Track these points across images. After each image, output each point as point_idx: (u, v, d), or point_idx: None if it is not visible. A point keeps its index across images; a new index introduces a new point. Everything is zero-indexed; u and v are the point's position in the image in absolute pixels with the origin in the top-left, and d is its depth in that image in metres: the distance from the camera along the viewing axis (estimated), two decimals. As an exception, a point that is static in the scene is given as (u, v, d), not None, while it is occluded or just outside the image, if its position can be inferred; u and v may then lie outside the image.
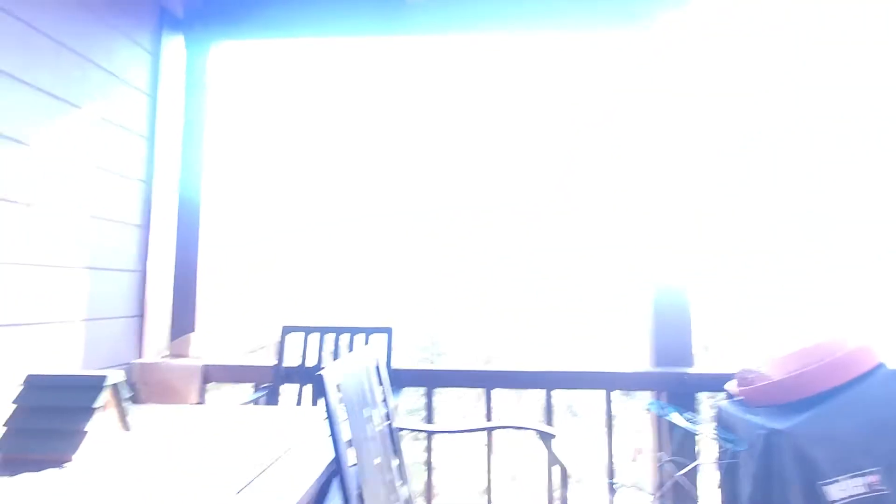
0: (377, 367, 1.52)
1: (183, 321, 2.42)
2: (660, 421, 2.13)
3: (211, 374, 2.32)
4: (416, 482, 2.00)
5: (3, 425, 1.02)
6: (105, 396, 1.04)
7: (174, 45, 2.52)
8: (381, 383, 1.54)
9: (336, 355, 2.22)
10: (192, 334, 2.41)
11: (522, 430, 1.68)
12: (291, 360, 2.26)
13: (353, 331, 2.22)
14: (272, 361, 2.27)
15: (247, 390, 2.32)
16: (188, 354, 2.40)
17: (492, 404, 2.15)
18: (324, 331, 2.24)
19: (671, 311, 2.22)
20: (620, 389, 2.18)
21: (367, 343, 2.21)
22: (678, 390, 2.13)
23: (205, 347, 2.44)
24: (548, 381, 2.14)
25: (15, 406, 1.03)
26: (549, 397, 2.16)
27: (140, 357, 2.34)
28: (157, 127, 2.42)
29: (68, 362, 1.96)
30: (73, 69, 1.99)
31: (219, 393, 2.37)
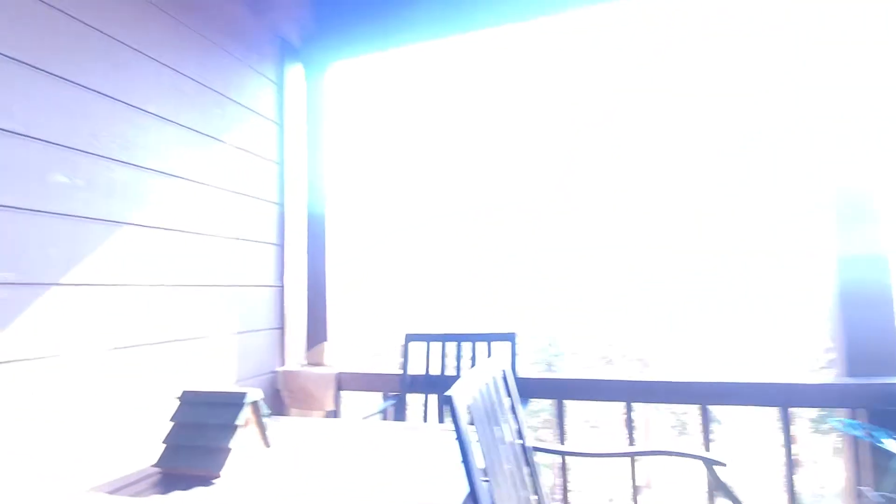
0: (504, 378, 1.42)
1: (317, 331, 2.56)
2: (857, 445, 1.71)
3: (344, 382, 2.42)
4: None
5: (163, 442, 1.12)
6: (246, 414, 1.09)
7: (294, 72, 2.70)
8: (508, 394, 1.43)
9: (458, 362, 2.17)
10: (325, 343, 2.54)
11: (679, 457, 1.44)
12: (415, 368, 2.26)
13: (475, 338, 2.14)
14: (397, 370, 2.29)
15: (376, 398, 2.37)
16: (323, 362, 2.54)
17: (633, 422, 1.91)
18: (446, 339, 2.20)
19: (866, 297, 1.77)
20: (801, 406, 1.80)
21: (489, 351, 2.12)
22: (883, 407, 1.68)
23: (336, 355, 2.56)
24: (704, 393, 1.84)
25: (172, 423, 1.13)
26: (705, 413, 1.86)
27: (283, 365, 2.52)
28: (286, 152, 2.60)
29: (225, 371, 2.18)
30: (213, 106, 2.21)
31: (351, 399, 2.47)
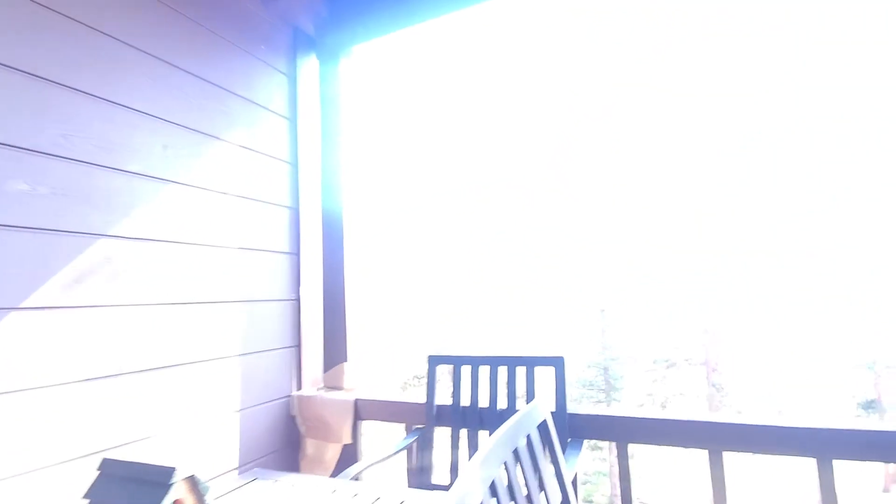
0: (543, 437, 1.03)
1: (335, 350, 2.27)
2: None
3: (363, 410, 2.10)
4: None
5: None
6: (177, 494, 0.79)
7: (307, 62, 2.45)
8: (554, 459, 1.04)
9: (494, 390, 1.79)
10: (344, 364, 2.24)
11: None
12: (443, 395, 1.91)
13: (514, 362, 1.76)
14: (422, 398, 1.94)
15: (400, 430, 2.04)
16: (342, 385, 2.24)
17: (724, 475, 1.46)
18: (478, 361, 1.83)
19: None
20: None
21: (531, 377, 1.73)
22: None
23: (357, 377, 2.25)
24: (825, 443, 1.37)
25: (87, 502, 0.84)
26: (826, 470, 1.38)
27: (299, 389, 2.25)
28: (300, 150, 2.35)
29: (228, 399, 1.92)
30: (215, 102, 1.98)
31: (374, 428, 2.15)
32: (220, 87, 2.01)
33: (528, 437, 0.96)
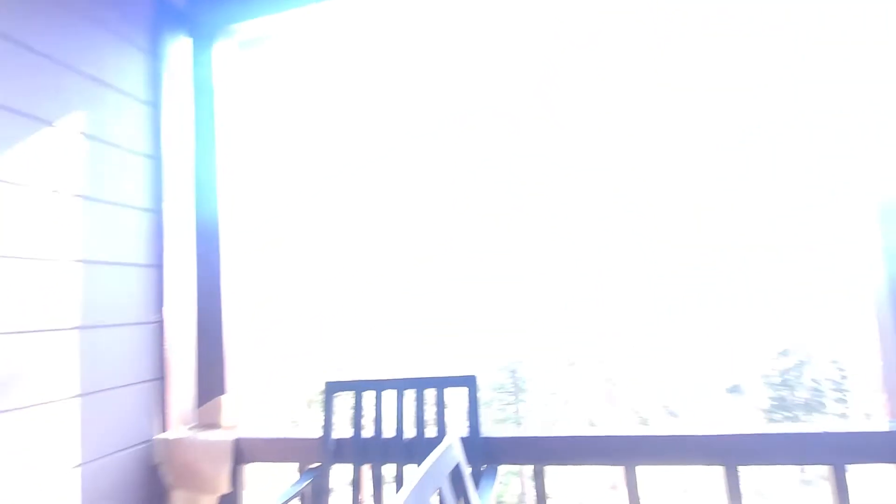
0: (462, 478, 0.84)
1: (211, 380, 1.91)
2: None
3: (246, 451, 1.77)
4: None
5: None
6: None
7: (177, 41, 2.07)
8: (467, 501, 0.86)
9: (400, 417, 1.58)
10: (222, 397, 1.89)
11: None
12: (343, 427, 1.65)
13: (422, 384, 1.57)
14: (318, 431, 1.67)
15: (292, 471, 1.74)
16: (220, 423, 1.88)
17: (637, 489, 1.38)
18: (381, 386, 1.60)
19: None
20: (854, 462, 1.33)
21: (440, 400, 1.54)
22: None
23: (239, 412, 1.91)
24: (736, 450, 1.34)
25: None
26: (732, 476, 1.36)
27: (165, 429, 1.85)
28: (164, 142, 1.96)
29: (75, 447, 1.49)
30: (48, 78, 1.55)
31: (259, 472, 1.82)
32: (53, 59, 1.59)
33: (440, 491, 0.77)
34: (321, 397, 1.66)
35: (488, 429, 1.51)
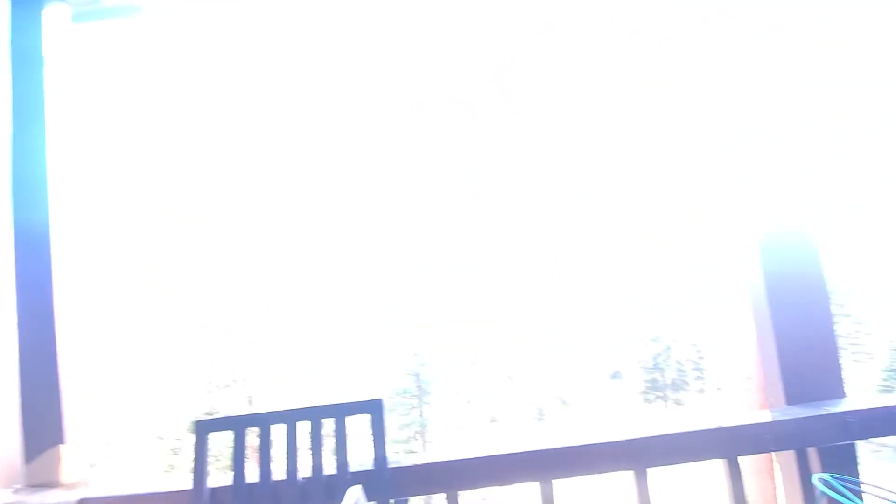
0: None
1: (43, 429, 1.51)
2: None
3: (93, 514, 1.42)
4: None
5: None
6: None
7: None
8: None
9: (292, 456, 1.36)
10: (60, 447, 1.50)
11: None
12: (220, 474, 1.39)
13: (318, 413, 1.36)
14: (187, 483, 1.38)
15: (155, 531, 1.42)
16: (58, 480, 1.49)
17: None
18: (267, 420, 1.37)
19: (798, 289, 1.47)
20: (745, 454, 1.39)
21: (341, 431, 1.35)
22: (833, 443, 1.36)
23: (87, 464, 1.54)
24: (643, 454, 1.33)
25: None
26: (641, 481, 1.35)
27: (-26, 498, 1.42)
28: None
29: None
30: None
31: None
32: None
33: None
34: (192, 439, 1.37)
35: (396, 457, 1.36)
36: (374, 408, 1.33)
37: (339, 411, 1.35)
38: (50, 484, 1.49)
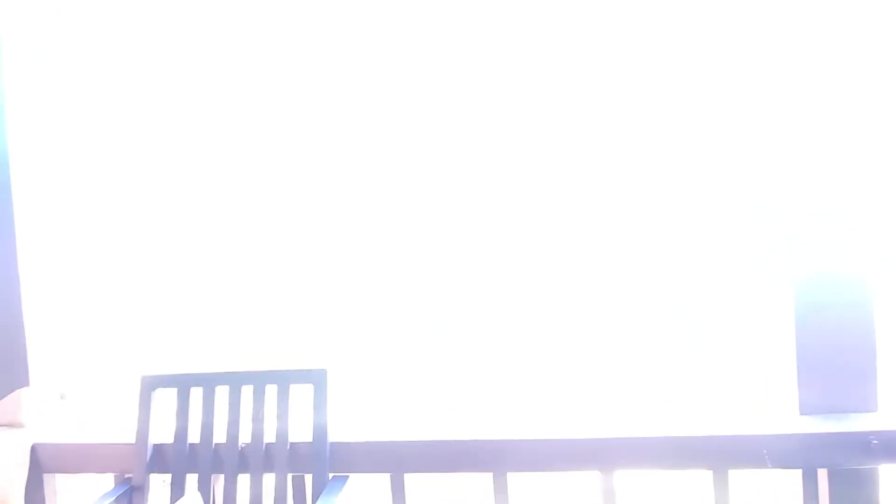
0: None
1: (6, 371, 1.52)
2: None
3: (48, 458, 1.43)
4: None
5: None
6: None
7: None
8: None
9: (236, 418, 1.30)
10: (22, 390, 1.51)
11: None
12: (164, 431, 1.35)
13: (262, 378, 1.30)
14: (132, 437, 1.36)
15: (106, 481, 1.42)
16: (21, 422, 1.51)
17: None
18: (212, 381, 1.31)
19: (831, 284, 1.23)
20: (737, 468, 1.22)
21: (284, 397, 1.28)
22: (849, 465, 1.16)
23: (46, 409, 1.55)
24: (609, 454, 1.19)
25: None
26: (607, 481, 1.22)
27: (-58, 432, 1.46)
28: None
29: None
30: None
31: (67, 485, 1.48)
32: None
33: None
34: (137, 394, 1.34)
35: (339, 433, 1.28)
36: (317, 377, 1.25)
37: (284, 378, 1.28)
38: (14, 424, 1.51)
